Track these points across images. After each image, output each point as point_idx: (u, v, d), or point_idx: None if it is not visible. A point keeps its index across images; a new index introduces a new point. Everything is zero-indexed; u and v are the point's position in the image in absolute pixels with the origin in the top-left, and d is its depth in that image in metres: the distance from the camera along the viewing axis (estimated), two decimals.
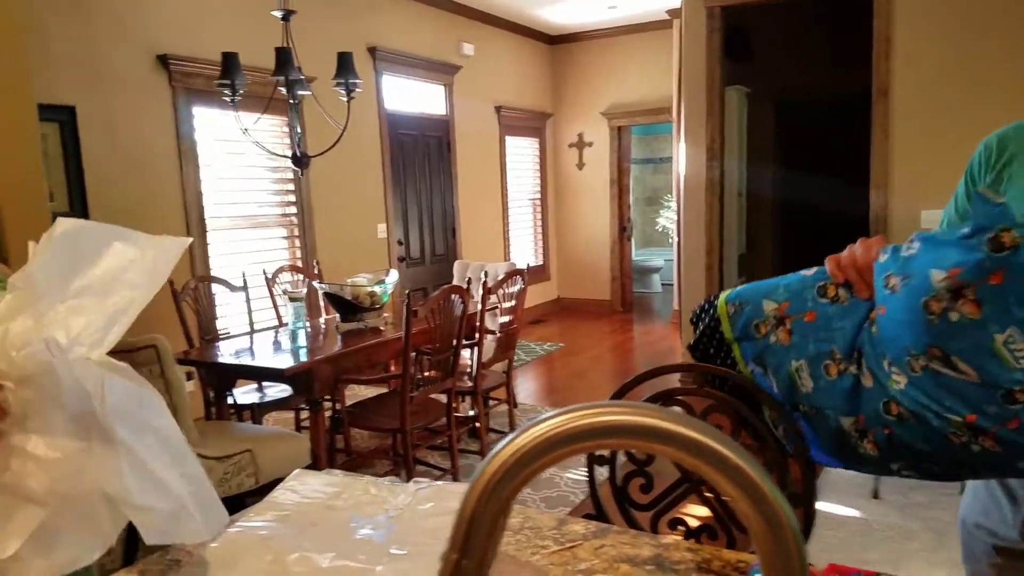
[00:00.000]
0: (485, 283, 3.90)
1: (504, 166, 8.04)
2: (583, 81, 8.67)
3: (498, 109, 7.81)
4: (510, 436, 0.38)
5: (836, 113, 5.54)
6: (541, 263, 8.86)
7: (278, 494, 1.18)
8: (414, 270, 6.63)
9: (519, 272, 4.23)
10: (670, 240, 9.60)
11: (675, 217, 7.47)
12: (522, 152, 8.46)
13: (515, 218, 8.37)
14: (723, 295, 1.11)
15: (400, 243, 6.45)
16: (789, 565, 0.36)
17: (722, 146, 4.96)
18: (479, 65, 7.44)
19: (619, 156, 8.65)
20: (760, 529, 0.36)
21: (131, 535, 2.89)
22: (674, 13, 6.86)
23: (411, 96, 6.62)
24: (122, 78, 4.12)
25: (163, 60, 4.30)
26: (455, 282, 5.02)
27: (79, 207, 3.92)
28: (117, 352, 2.62)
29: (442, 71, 6.90)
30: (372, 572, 0.94)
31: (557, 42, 8.68)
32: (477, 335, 3.83)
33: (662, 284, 10.48)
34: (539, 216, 8.83)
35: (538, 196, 8.80)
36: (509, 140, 8.11)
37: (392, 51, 6.19)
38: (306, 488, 1.21)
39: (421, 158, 6.72)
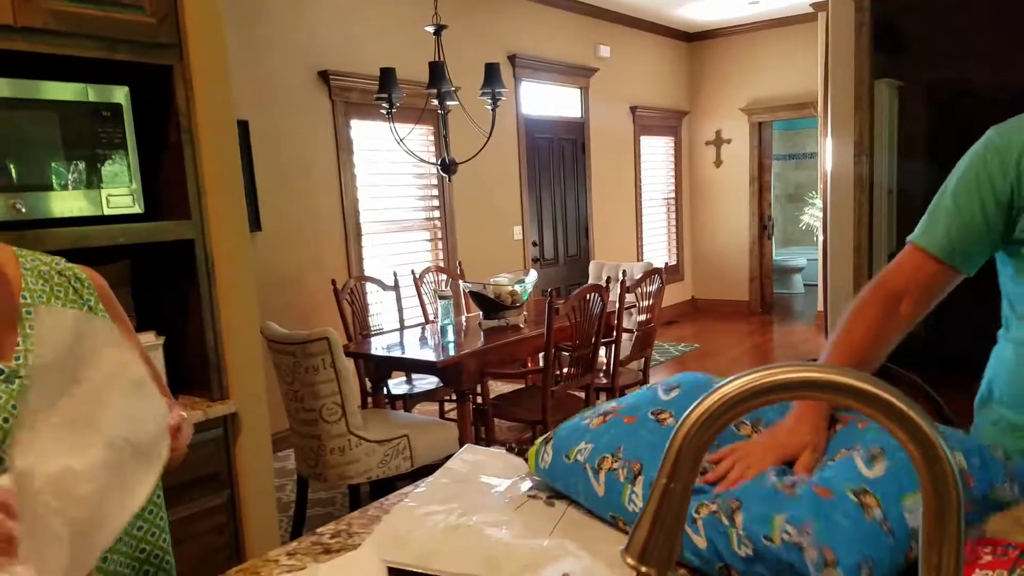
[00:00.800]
0: (623, 282, 3.98)
1: (638, 166, 8.05)
2: (722, 77, 8.52)
3: (633, 109, 7.83)
4: (718, 385, 0.49)
5: (1000, 108, 5.13)
6: (674, 263, 8.79)
7: (453, 463, 1.34)
8: (548, 270, 6.79)
9: (657, 271, 4.27)
10: (815, 238, 9.22)
11: (820, 215, 7.20)
12: (657, 151, 8.43)
13: (648, 218, 8.35)
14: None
15: (535, 244, 6.63)
16: (948, 502, 0.45)
17: (871, 141, 4.76)
18: (615, 66, 7.50)
19: (759, 152, 8.43)
20: (924, 474, 0.46)
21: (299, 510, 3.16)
22: (819, 6, 6.63)
23: (547, 100, 6.79)
24: (288, 94, 4.53)
25: (324, 76, 4.68)
26: (591, 282, 5.12)
27: (253, 215, 4.36)
28: (293, 343, 2.92)
29: (578, 74, 7.02)
30: (543, 536, 1.07)
31: (696, 39, 8.58)
32: (615, 333, 3.92)
33: (804, 285, 10.08)
34: (673, 215, 8.76)
35: (672, 195, 8.73)
36: (644, 140, 8.11)
37: (531, 57, 6.38)
38: (475, 458, 1.36)
39: (556, 161, 6.87)
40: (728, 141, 8.58)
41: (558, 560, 1.01)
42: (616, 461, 1.10)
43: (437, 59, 3.79)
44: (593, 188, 7.35)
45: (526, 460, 1.30)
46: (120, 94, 1.98)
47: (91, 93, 1.93)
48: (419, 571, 1.02)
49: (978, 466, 0.96)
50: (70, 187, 1.91)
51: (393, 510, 1.20)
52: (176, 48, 2.02)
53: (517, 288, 3.96)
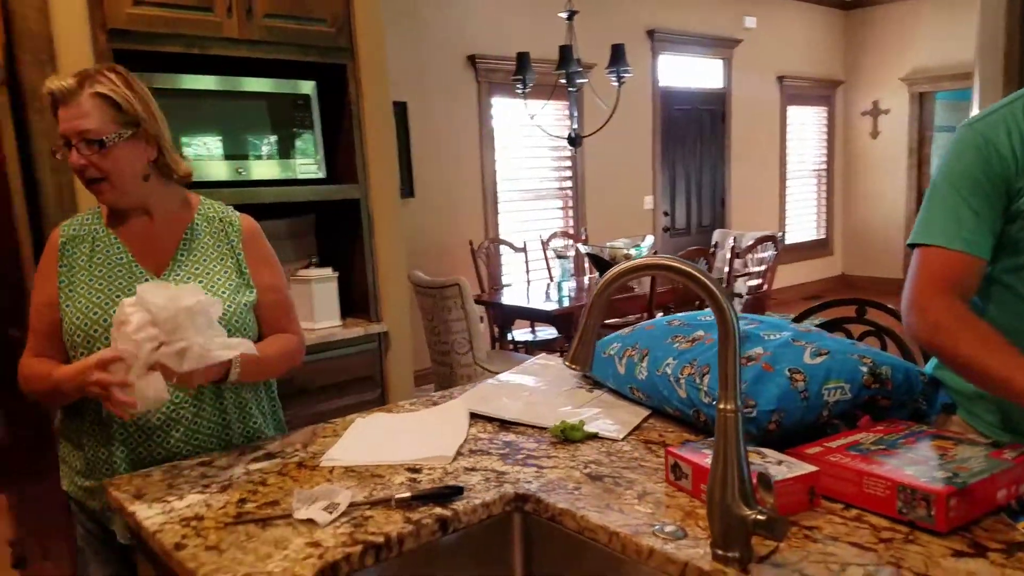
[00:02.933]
0: (733, 248, 4.31)
1: (784, 136, 8.05)
2: (881, 46, 8.27)
3: (780, 79, 7.85)
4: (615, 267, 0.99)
5: None
6: (823, 237, 8.70)
7: (529, 363, 1.88)
8: (678, 239, 7.10)
9: (770, 238, 4.54)
10: None
11: None
12: (806, 122, 8.36)
13: (795, 190, 8.31)
14: None
15: (666, 214, 6.95)
16: (728, 329, 0.91)
17: None
18: (761, 37, 7.55)
19: (920, 124, 8.15)
20: (715, 312, 0.93)
21: None
22: None
23: (687, 72, 7.02)
24: (440, 77, 5.17)
25: (471, 60, 5.28)
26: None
27: (407, 184, 5.06)
28: (432, 287, 3.62)
29: (721, 46, 7.18)
30: (583, 405, 1.58)
31: (853, 7, 8.37)
32: None
33: None
34: (824, 188, 8.64)
35: (824, 166, 8.61)
36: (791, 110, 8.09)
37: (671, 31, 6.65)
38: (545, 361, 1.89)
39: (693, 132, 7.10)
40: (886, 112, 8.35)
41: (585, 413, 1.53)
42: (633, 350, 1.58)
43: (568, 43, 4.25)
44: (732, 159, 7.50)
45: None
46: (309, 87, 2.65)
47: (289, 87, 2.61)
48: (491, 415, 1.57)
49: (901, 380, 1.35)
50: (275, 157, 2.60)
51: (482, 383, 1.76)
52: (349, 51, 2.66)
53: (632, 251, 4.39)
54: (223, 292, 1.53)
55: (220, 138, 2.47)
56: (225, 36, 2.37)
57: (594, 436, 1.45)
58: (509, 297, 4.35)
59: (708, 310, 1.74)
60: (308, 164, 2.67)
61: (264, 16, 2.44)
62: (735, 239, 4.71)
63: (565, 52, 4.23)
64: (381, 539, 1.09)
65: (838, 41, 8.47)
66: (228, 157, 2.50)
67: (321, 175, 2.71)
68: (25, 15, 1.99)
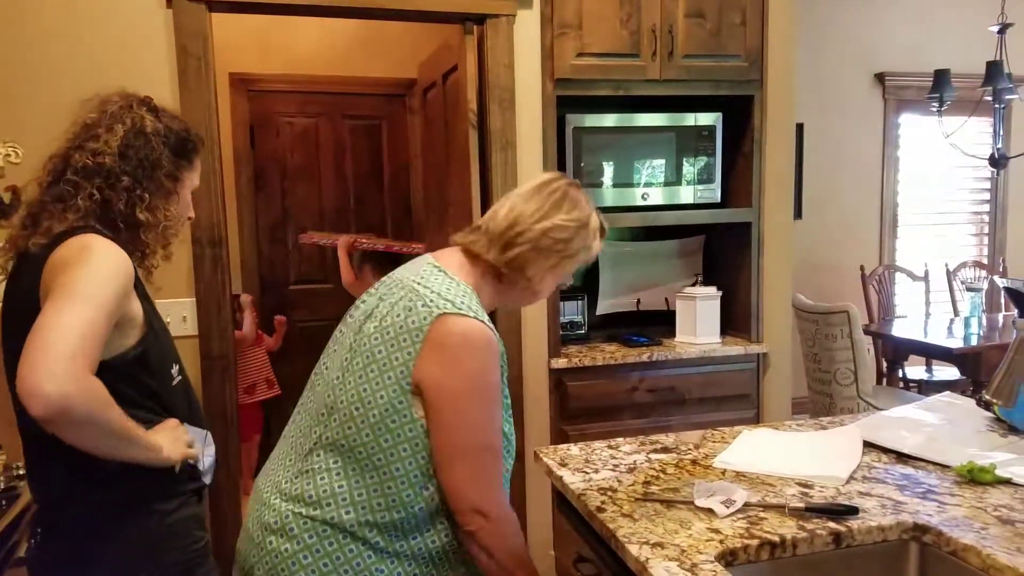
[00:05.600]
0: None
1: None
2: None
3: None
4: None
5: None
6: None
7: (936, 398, 1.81)
8: None
9: None
10: None
11: None
12: None
13: None
14: None
15: None
16: None
17: None
18: None
19: None
20: None
21: None
22: None
23: None
24: (843, 95, 4.96)
25: (880, 77, 4.97)
26: None
27: (796, 204, 4.92)
28: (817, 312, 3.56)
29: None
30: (993, 450, 1.50)
31: None
32: None
33: None
34: None
35: None
36: None
37: None
38: (952, 400, 1.80)
39: None
40: None
41: (997, 456, 1.45)
42: None
43: (997, 57, 3.80)
44: None
45: (992, 408, 1.69)
46: (715, 119, 2.83)
47: (697, 119, 2.82)
48: (887, 447, 1.57)
49: None
50: (676, 183, 2.84)
51: (877, 414, 1.75)
52: (759, 83, 2.78)
53: None
54: None
55: (625, 168, 2.78)
56: (648, 78, 2.67)
57: (1006, 481, 1.38)
58: (903, 329, 4.02)
59: None
60: (706, 189, 2.85)
61: (683, 56, 2.68)
62: None
63: (993, 67, 3.78)
64: (776, 538, 1.20)
65: None
66: (632, 184, 2.80)
67: (717, 199, 2.88)
68: (499, 73, 2.51)
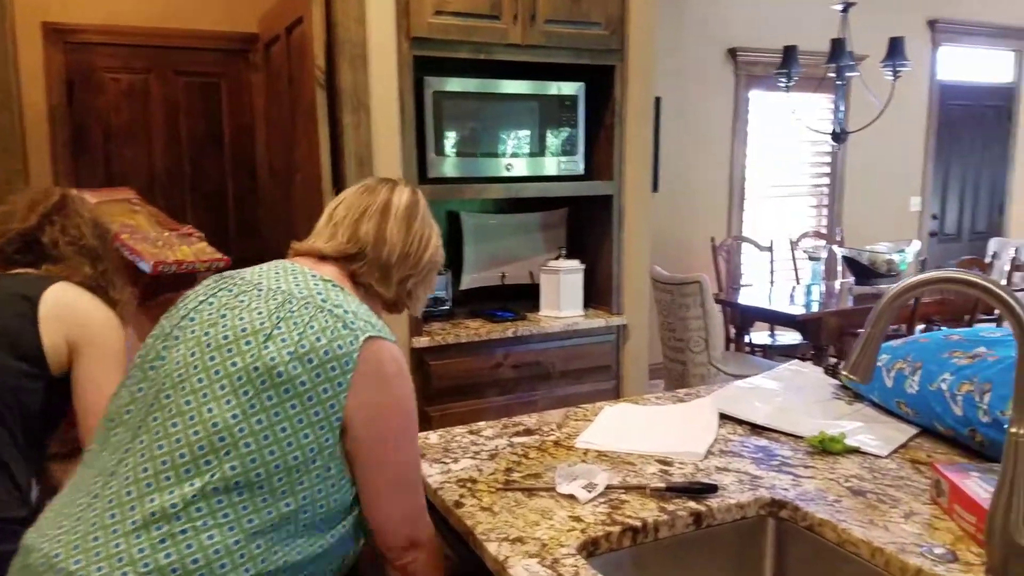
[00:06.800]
0: (1014, 259, 3.81)
1: None
2: None
3: None
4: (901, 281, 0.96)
5: None
6: None
7: (782, 368, 1.84)
8: (946, 246, 6.38)
9: None
10: None
11: None
12: None
13: None
14: None
15: (934, 217, 6.28)
16: None
17: None
18: None
19: None
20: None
21: None
22: None
23: (970, 66, 6.26)
24: (698, 71, 5.09)
25: (732, 53, 5.14)
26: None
27: (652, 178, 5.02)
28: (672, 283, 3.62)
29: (1014, 36, 6.31)
30: (842, 418, 1.53)
31: None
32: (996, 311, 3.80)
33: None
34: None
35: None
36: None
37: (956, 21, 5.96)
38: (800, 368, 1.84)
39: (972, 130, 6.35)
40: None
41: (845, 425, 1.48)
42: (905, 363, 1.50)
43: (841, 35, 4.00)
44: (1018, 160, 6.59)
45: (838, 376, 1.74)
46: (577, 88, 2.78)
47: (560, 88, 2.75)
48: (742, 418, 1.57)
49: None
50: (539, 154, 2.77)
51: (731, 384, 1.76)
52: (619, 53, 2.75)
53: (895, 257, 4.05)
54: None
55: (489, 137, 2.68)
56: (510, 42, 2.56)
57: (855, 451, 1.41)
58: (749, 297, 4.21)
59: (991, 327, 1.59)
60: (569, 161, 2.80)
61: (545, 22, 2.59)
62: (1016, 250, 4.14)
63: (837, 45, 3.98)
64: (638, 523, 1.16)
65: None
66: (496, 155, 2.71)
67: (580, 171, 2.84)
68: (348, 27, 2.31)
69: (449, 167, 2.63)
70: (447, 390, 2.62)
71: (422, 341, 2.56)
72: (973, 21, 6.03)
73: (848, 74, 4.07)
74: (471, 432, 1.58)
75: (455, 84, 2.60)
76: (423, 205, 1.31)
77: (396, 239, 1.24)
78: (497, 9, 2.51)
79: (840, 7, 4.03)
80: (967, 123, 6.30)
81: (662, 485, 1.26)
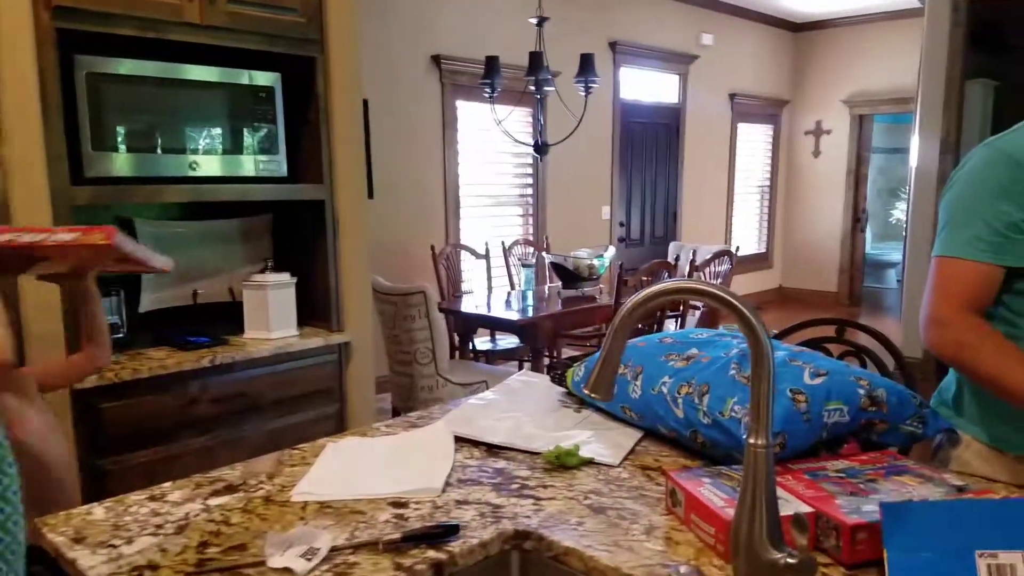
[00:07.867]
0: (692, 261, 4.28)
1: (733, 153, 8.18)
2: (825, 68, 8.50)
3: (732, 96, 7.95)
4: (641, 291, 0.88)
5: None
6: (763, 251, 8.88)
7: (511, 381, 1.76)
8: (632, 250, 7.09)
9: (727, 253, 4.53)
10: (903, 234, 9.09)
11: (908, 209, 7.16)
12: (754, 139, 8.52)
13: (741, 205, 8.47)
14: None
15: (621, 224, 6.93)
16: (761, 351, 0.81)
17: (958, 140, 4.81)
18: (717, 54, 7.64)
19: (859, 145, 8.40)
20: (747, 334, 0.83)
21: None
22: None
23: (645, 86, 7.03)
24: (404, 76, 5.01)
25: (436, 60, 5.14)
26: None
27: (367, 185, 4.87)
28: (395, 295, 3.47)
29: (678, 61, 7.22)
30: (570, 427, 1.47)
31: (802, 30, 8.57)
32: (681, 308, 4.23)
33: (897, 280, 9.92)
34: (766, 203, 8.84)
35: (767, 183, 8.80)
36: (741, 127, 8.22)
37: (632, 44, 6.64)
38: (528, 379, 1.77)
39: (649, 145, 7.13)
40: (828, 132, 8.59)
41: (577, 436, 1.42)
42: (626, 368, 1.48)
43: (538, 49, 4.16)
44: (685, 173, 7.56)
45: (564, 383, 1.70)
46: (273, 79, 2.48)
47: (251, 78, 2.43)
48: (478, 439, 1.44)
49: (895, 402, 1.29)
50: (232, 152, 2.42)
51: (463, 404, 1.63)
52: (319, 43, 2.51)
53: (595, 262, 4.32)
54: None
55: (171, 131, 2.29)
56: (185, 21, 2.18)
57: (589, 462, 1.35)
58: (471, 305, 4.22)
59: (699, 328, 1.66)
60: (270, 161, 2.50)
61: (228, 1, 2.26)
62: (693, 252, 4.70)
63: (535, 58, 4.14)
64: None
65: (786, 61, 8.66)
66: (179, 151, 2.32)
67: (283, 173, 2.54)
68: None
69: (118, 165, 2.18)
70: (126, 439, 2.16)
71: (88, 381, 2.07)
72: (645, 45, 6.78)
73: (546, 88, 4.26)
74: (152, 498, 1.24)
75: (121, 66, 2.15)
76: None
77: None
78: None
79: (535, 20, 4.20)
80: (645, 139, 7.06)
81: (397, 535, 1.07)
